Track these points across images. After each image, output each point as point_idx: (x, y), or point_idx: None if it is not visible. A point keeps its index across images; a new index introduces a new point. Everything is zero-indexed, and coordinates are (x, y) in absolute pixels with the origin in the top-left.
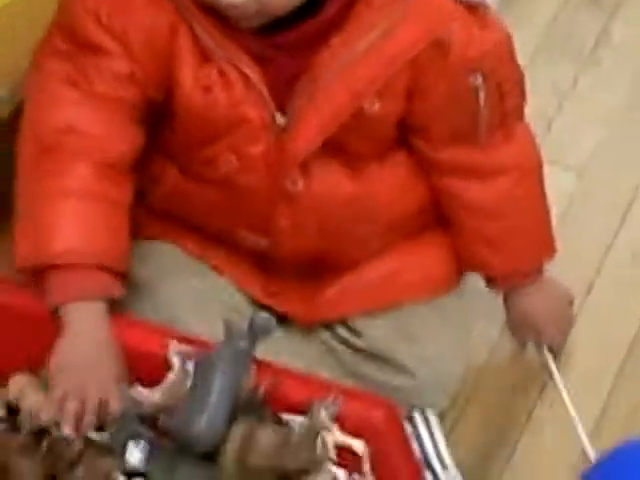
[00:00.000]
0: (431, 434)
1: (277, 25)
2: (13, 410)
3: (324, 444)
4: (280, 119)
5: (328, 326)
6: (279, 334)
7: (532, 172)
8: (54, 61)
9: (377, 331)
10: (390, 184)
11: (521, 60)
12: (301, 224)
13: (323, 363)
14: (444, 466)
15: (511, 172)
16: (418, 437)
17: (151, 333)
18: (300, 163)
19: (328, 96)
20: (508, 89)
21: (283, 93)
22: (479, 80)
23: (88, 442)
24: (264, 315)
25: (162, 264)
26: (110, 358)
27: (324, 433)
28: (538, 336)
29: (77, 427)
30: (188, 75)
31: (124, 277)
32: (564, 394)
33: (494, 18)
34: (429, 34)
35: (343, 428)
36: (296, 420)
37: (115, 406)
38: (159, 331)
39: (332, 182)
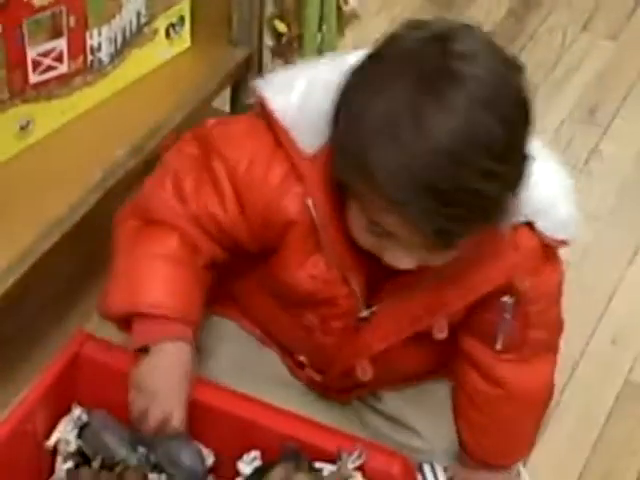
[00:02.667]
0: None
1: None
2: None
3: None
4: (364, 312)
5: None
6: (314, 398)
7: (532, 404)
8: (188, 156)
9: (398, 401)
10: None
11: None
12: (358, 380)
13: (353, 422)
14: None
15: (509, 393)
16: None
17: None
18: (371, 356)
19: (407, 308)
20: (534, 322)
21: (374, 288)
22: (509, 301)
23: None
24: None
25: (218, 335)
26: (181, 386)
27: None
28: None
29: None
30: (295, 259)
31: (197, 329)
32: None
33: (559, 257)
34: (508, 276)
35: (365, 476)
36: (327, 468)
37: (177, 423)
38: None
39: (404, 355)
